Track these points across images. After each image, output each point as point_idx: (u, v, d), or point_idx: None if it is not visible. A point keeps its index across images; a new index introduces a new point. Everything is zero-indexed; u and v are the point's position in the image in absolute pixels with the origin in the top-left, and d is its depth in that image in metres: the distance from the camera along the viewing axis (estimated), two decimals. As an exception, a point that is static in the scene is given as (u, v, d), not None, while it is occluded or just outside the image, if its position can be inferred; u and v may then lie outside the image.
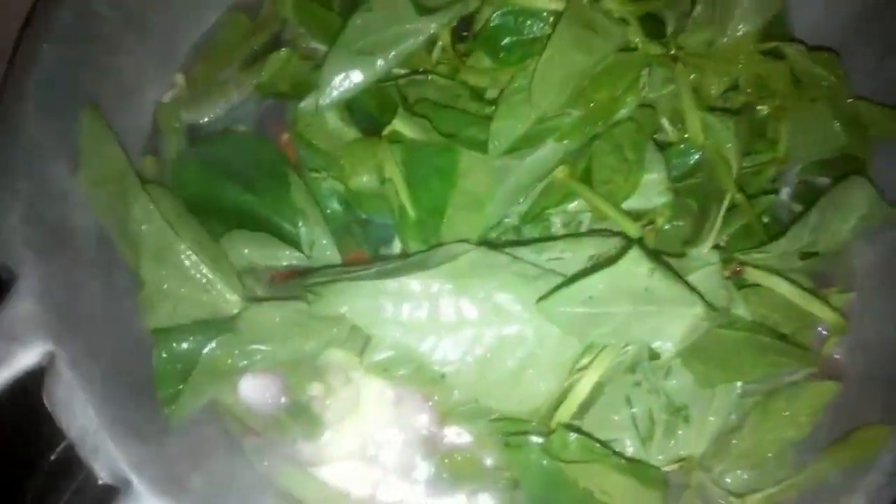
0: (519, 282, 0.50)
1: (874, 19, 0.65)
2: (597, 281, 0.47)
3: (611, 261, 0.47)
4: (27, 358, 0.50)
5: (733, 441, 0.58)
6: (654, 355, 0.50)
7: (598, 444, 0.51)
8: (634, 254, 0.47)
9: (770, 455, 0.57)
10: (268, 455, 0.58)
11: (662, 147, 0.58)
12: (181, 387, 0.55)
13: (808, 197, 0.60)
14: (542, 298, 0.47)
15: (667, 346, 0.49)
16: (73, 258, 0.55)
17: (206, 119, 0.66)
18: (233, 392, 0.58)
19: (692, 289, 0.49)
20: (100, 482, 0.48)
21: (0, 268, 0.52)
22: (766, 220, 0.61)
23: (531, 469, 0.51)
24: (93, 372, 0.51)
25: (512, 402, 0.49)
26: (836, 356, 0.62)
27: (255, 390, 0.59)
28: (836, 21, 0.67)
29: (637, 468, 0.52)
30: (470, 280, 0.49)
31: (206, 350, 0.55)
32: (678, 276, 0.49)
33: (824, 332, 0.61)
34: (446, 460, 0.58)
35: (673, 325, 0.49)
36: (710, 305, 0.50)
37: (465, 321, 0.49)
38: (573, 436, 0.51)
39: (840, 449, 0.56)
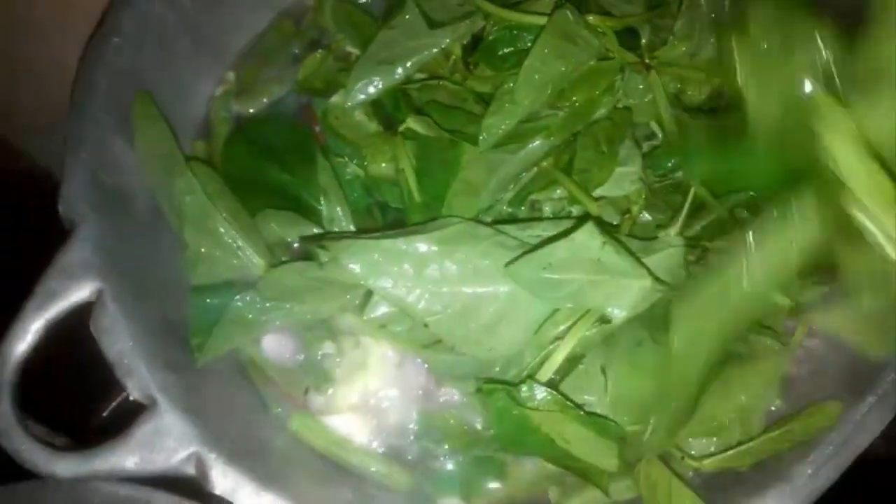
0: (498, 250, 0.57)
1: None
2: (555, 249, 0.54)
3: (568, 232, 0.54)
4: (81, 293, 0.59)
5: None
6: (605, 320, 0.57)
7: (560, 397, 0.58)
8: (588, 227, 0.54)
9: (728, 422, 0.63)
10: (282, 402, 0.66)
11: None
12: (210, 334, 0.63)
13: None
14: (509, 263, 0.55)
15: (617, 313, 0.56)
16: (126, 217, 0.64)
17: (251, 111, 0.76)
18: (255, 345, 0.66)
19: (641, 263, 0.56)
20: (131, 398, 0.57)
21: (64, 219, 0.61)
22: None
23: (500, 413, 0.58)
24: (135, 309, 0.59)
25: (484, 349, 0.56)
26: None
27: (274, 345, 0.67)
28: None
29: (596, 421, 0.58)
30: (455, 245, 0.57)
31: (232, 304, 0.63)
32: (629, 251, 0.56)
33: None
34: (438, 417, 0.65)
35: (623, 294, 0.55)
36: (660, 280, 0.56)
37: (447, 279, 0.56)
38: (539, 387, 0.58)
39: (792, 421, 0.62)
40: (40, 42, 0.81)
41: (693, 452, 0.63)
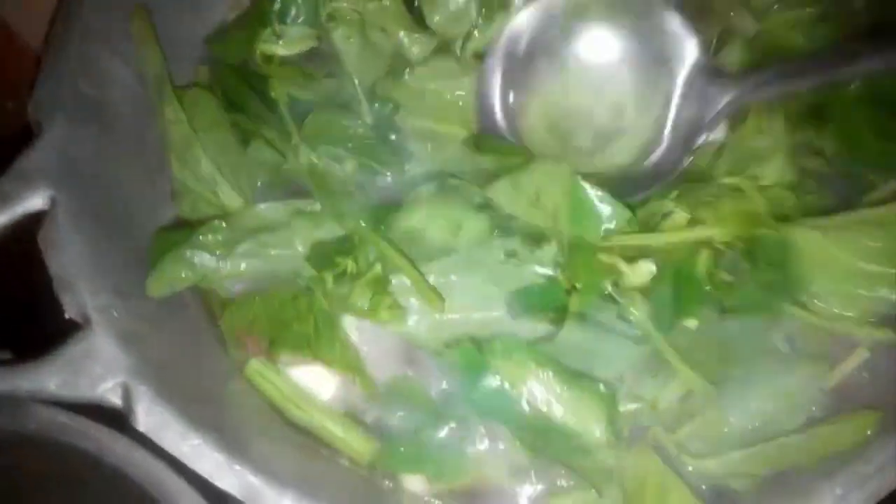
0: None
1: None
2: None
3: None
4: (35, 200, 0.55)
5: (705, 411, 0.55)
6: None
7: (540, 351, 0.51)
8: None
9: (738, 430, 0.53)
10: (244, 347, 0.60)
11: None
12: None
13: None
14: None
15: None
16: (103, 133, 0.60)
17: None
18: (220, 284, 0.60)
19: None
20: (66, 316, 0.52)
21: (32, 121, 0.57)
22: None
23: (467, 368, 0.52)
24: (89, 226, 0.55)
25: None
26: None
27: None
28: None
29: (582, 379, 0.50)
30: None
31: (194, 236, 0.58)
32: None
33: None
34: (409, 382, 0.58)
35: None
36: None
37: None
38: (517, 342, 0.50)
39: (819, 429, 0.52)
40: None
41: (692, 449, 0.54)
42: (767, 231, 0.55)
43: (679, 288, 0.54)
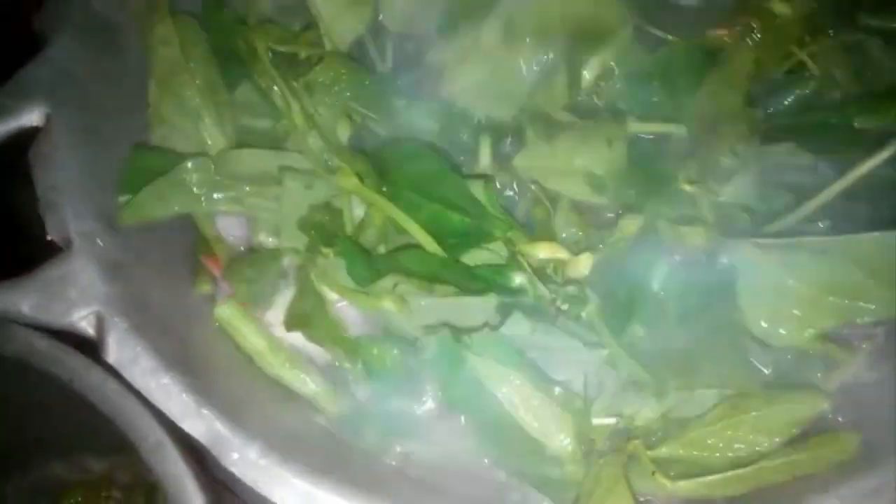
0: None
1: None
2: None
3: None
4: (30, 115, 0.53)
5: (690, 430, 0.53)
6: None
7: (519, 352, 0.49)
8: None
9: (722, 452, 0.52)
10: (218, 287, 0.58)
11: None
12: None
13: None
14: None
15: None
16: (110, 55, 0.59)
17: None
18: (207, 220, 0.59)
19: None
20: (48, 238, 0.51)
21: (39, 34, 0.55)
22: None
23: (443, 355, 0.50)
24: (82, 148, 0.54)
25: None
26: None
27: (229, 225, 0.59)
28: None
29: (555, 390, 0.49)
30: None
31: (179, 166, 0.56)
32: None
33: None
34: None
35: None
36: None
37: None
38: (497, 337, 0.49)
39: (800, 450, 0.51)
40: None
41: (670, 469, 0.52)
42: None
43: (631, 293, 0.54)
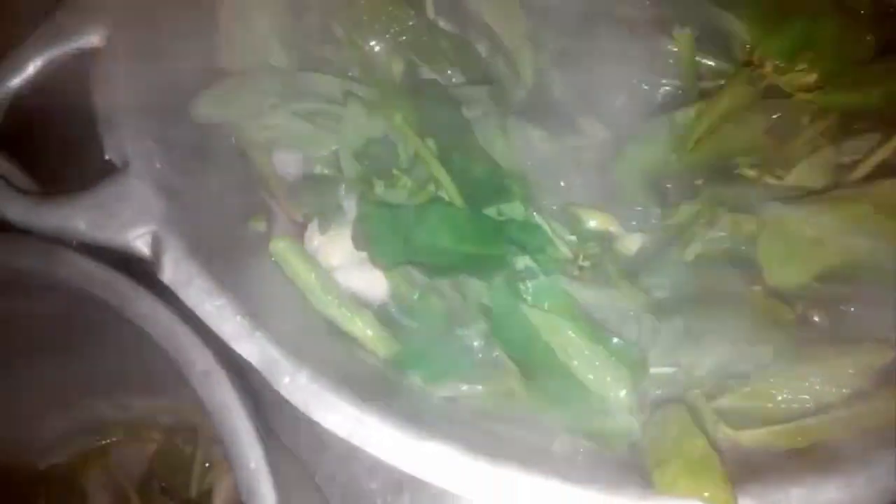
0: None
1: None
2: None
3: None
4: (91, 36, 0.53)
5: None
6: None
7: (574, 302, 0.48)
8: None
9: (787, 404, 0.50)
10: (274, 221, 0.58)
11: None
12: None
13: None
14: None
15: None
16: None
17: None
18: (265, 153, 0.58)
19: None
20: (106, 157, 0.50)
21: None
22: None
23: (497, 305, 0.49)
24: (144, 69, 0.53)
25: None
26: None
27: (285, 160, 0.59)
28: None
29: (612, 340, 0.48)
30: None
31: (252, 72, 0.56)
32: None
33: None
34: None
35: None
36: None
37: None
38: (551, 284, 0.48)
39: (865, 403, 0.49)
40: None
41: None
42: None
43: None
